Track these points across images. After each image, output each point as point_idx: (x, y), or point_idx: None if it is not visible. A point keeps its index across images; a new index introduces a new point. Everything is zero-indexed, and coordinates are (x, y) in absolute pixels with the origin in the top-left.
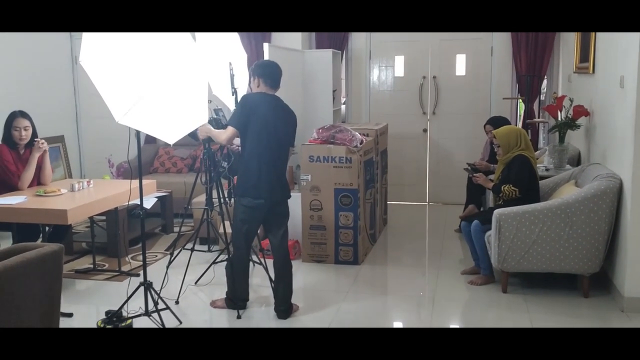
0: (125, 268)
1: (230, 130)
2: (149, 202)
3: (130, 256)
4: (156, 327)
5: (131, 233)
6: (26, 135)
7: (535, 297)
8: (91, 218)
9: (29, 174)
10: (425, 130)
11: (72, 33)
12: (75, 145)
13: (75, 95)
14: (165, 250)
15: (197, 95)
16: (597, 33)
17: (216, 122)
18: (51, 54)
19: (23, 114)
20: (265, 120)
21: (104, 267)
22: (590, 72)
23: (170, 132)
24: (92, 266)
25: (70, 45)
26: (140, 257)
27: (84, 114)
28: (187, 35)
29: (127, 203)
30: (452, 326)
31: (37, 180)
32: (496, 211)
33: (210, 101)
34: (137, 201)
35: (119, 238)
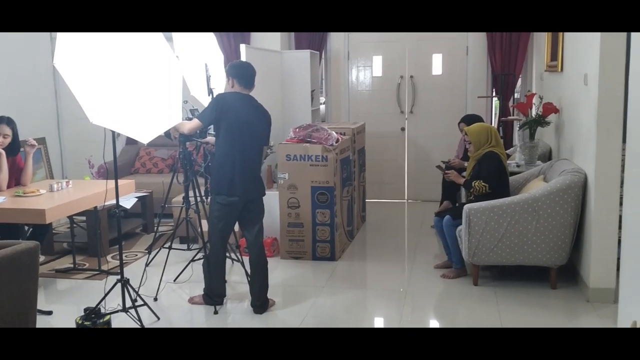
0: (105, 267)
1: (195, 122)
2: (129, 202)
3: (110, 255)
4: (134, 323)
5: (111, 233)
6: (3, 142)
7: (505, 290)
8: (71, 218)
9: (3, 175)
10: (403, 129)
11: (53, 34)
12: (56, 147)
13: (57, 96)
14: (145, 250)
15: (170, 95)
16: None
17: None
18: (32, 56)
19: (9, 122)
20: (239, 120)
21: (85, 267)
22: (559, 70)
23: (143, 132)
24: (72, 266)
25: (51, 47)
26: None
27: (65, 115)
28: (159, 35)
29: (103, 203)
30: (424, 318)
31: (17, 181)
32: (466, 206)
33: (186, 101)
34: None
35: (99, 237)
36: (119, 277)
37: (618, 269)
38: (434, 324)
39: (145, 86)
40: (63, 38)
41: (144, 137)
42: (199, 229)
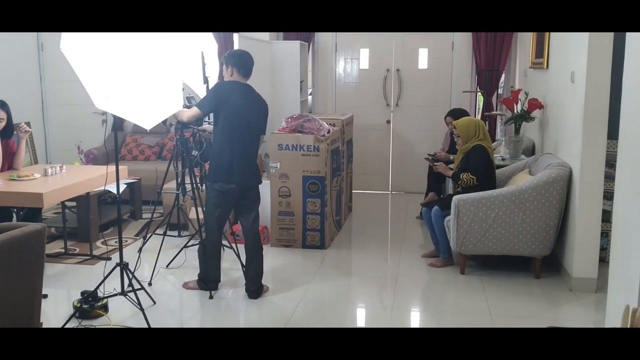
0: (96, 252)
1: (195, 110)
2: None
3: (100, 241)
4: (131, 307)
5: (101, 218)
6: None
7: (491, 278)
8: (62, 203)
9: None
10: (388, 122)
11: None
12: (41, 132)
13: (42, 82)
14: (135, 236)
15: (172, 83)
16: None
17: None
18: (17, 41)
19: (3, 105)
20: (237, 108)
21: (75, 252)
22: (545, 67)
23: (147, 118)
24: (63, 250)
25: (37, 32)
26: (111, 242)
27: (50, 100)
28: None
29: (103, 187)
30: (415, 305)
31: (9, 165)
32: (455, 197)
33: (183, 89)
34: (106, 187)
35: (91, 222)
36: (113, 262)
37: (600, 260)
38: (424, 310)
39: (150, 73)
40: None
41: (147, 123)
42: (192, 216)
